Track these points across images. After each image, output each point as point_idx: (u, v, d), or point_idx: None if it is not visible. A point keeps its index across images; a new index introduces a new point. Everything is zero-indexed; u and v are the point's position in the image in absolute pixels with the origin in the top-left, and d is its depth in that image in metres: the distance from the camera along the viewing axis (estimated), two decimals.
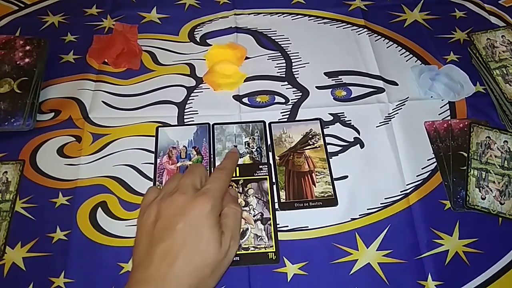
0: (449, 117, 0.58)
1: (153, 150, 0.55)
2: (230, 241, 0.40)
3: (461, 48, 0.65)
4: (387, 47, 0.66)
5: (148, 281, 0.36)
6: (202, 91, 0.61)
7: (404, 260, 0.48)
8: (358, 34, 0.67)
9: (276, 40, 0.67)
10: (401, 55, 0.65)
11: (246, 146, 0.56)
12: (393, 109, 0.59)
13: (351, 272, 0.47)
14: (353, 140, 0.57)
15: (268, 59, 0.64)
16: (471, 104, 0.59)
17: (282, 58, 0.65)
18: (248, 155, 0.55)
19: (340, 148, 0.56)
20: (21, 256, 0.48)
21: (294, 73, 0.63)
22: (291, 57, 0.65)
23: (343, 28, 0.68)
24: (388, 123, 0.58)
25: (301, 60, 0.64)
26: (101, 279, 0.47)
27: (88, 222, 0.50)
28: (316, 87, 0.61)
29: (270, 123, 0.58)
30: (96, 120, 0.58)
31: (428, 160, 0.55)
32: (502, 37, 0.63)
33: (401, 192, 0.52)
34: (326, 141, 0.56)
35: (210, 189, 0.41)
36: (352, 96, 0.60)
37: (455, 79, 0.60)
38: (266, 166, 0.54)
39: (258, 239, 0.48)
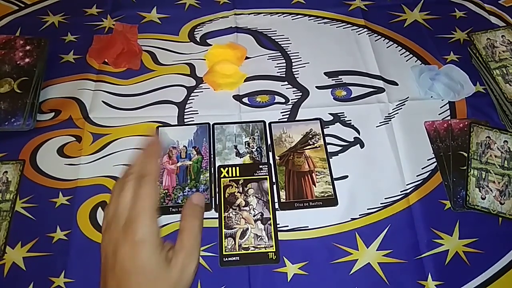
0: (449, 117, 0.58)
1: None
2: (183, 259, 0.37)
3: (461, 48, 0.65)
4: (387, 47, 0.66)
5: None
6: (202, 91, 0.61)
7: (404, 260, 0.48)
8: (358, 34, 0.67)
9: (276, 40, 0.67)
10: (401, 55, 0.65)
11: (246, 146, 0.55)
12: (393, 109, 0.59)
13: (351, 272, 0.47)
14: (353, 140, 0.57)
15: (268, 59, 0.64)
16: (471, 104, 0.59)
17: (282, 58, 0.65)
18: (248, 155, 0.55)
19: (340, 148, 0.56)
20: (21, 256, 0.48)
21: (294, 73, 0.63)
22: (291, 57, 0.65)
23: (343, 28, 0.68)
24: (388, 123, 0.58)
25: (301, 60, 0.64)
26: None
27: (88, 221, 0.50)
28: (316, 87, 0.61)
29: (270, 123, 0.57)
30: (96, 120, 0.58)
31: (428, 160, 0.55)
32: (502, 37, 0.63)
33: (401, 192, 0.52)
34: (326, 141, 0.56)
35: (141, 233, 0.35)
36: (352, 96, 0.60)
37: (455, 79, 0.60)
38: (266, 166, 0.54)
39: (258, 239, 0.48)
